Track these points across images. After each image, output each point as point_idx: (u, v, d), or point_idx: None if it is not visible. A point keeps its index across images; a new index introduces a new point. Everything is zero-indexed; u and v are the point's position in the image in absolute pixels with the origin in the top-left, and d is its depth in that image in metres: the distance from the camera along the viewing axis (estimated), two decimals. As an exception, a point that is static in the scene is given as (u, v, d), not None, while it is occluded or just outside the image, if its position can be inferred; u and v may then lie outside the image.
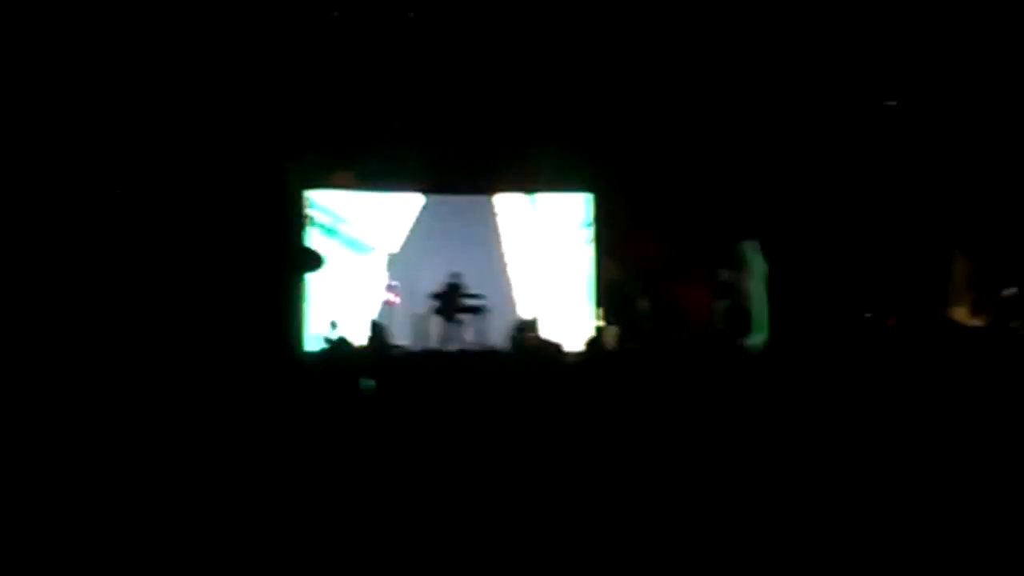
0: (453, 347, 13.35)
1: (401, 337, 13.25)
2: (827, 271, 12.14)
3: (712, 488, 3.96)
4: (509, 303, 13.95)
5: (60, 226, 11.42)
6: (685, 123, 12.95)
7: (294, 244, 13.58)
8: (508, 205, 14.73)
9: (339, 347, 5.87)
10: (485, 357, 12.11)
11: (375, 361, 8.85)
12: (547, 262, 14.63)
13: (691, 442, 4.29)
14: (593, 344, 10.95)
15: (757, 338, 11.03)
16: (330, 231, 14.26)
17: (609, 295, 13.98)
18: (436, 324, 13.67)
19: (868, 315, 11.23)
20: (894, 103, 12.16)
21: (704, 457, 4.18)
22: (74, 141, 11.51)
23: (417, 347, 13.23)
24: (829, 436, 4.31)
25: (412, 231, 14.42)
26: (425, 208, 14.49)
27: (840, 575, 3.54)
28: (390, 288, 14.03)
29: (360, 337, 11.78)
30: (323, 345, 10.85)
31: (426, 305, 13.67)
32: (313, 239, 14.03)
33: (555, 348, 7.21)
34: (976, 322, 10.91)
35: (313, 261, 13.27)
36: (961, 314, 11.25)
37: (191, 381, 5.94)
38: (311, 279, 13.89)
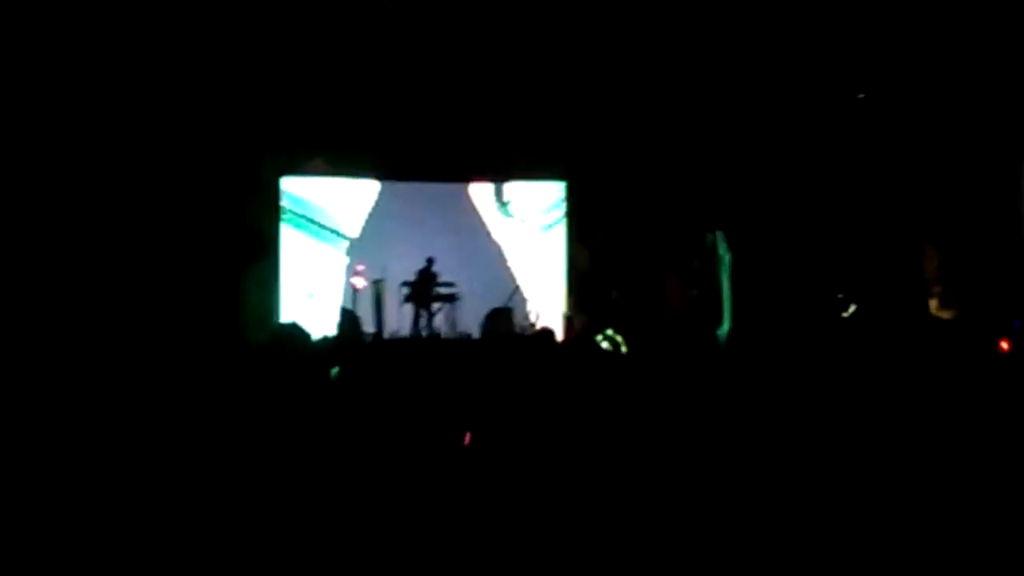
0: (425, 334, 13.33)
1: (371, 324, 13.20)
2: (792, 262, 12.17)
3: (679, 477, 3.95)
4: (482, 291, 13.89)
5: (30, 209, 11.33)
6: (656, 112, 12.96)
7: (263, 232, 13.51)
8: (481, 192, 14.69)
9: (290, 334, 5.77)
10: (458, 345, 12.11)
11: (345, 348, 8.80)
12: (520, 250, 14.59)
13: (660, 433, 4.28)
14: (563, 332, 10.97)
15: (724, 328, 11.08)
16: (299, 220, 14.18)
17: (580, 284, 13.99)
18: (408, 311, 13.63)
19: (839, 296, 11.28)
20: (864, 95, 12.20)
21: (674, 448, 4.17)
22: (41, 128, 11.41)
23: (388, 334, 13.20)
24: (792, 426, 4.31)
25: (384, 218, 14.36)
26: (397, 195, 14.43)
27: (808, 565, 3.54)
28: (356, 273, 13.94)
29: (331, 325, 11.74)
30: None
31: (399, 292, 13.63)
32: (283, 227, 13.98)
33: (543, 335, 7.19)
34: (945, 314, 10.99)
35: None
36: (931, 306, 11.33)
37: (153, 368, 5.90)
38: (282, 266, 13.85)
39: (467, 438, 4.34)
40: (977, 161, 11.79)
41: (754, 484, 3.87)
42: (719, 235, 11.80)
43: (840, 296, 11.36)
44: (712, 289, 11.66)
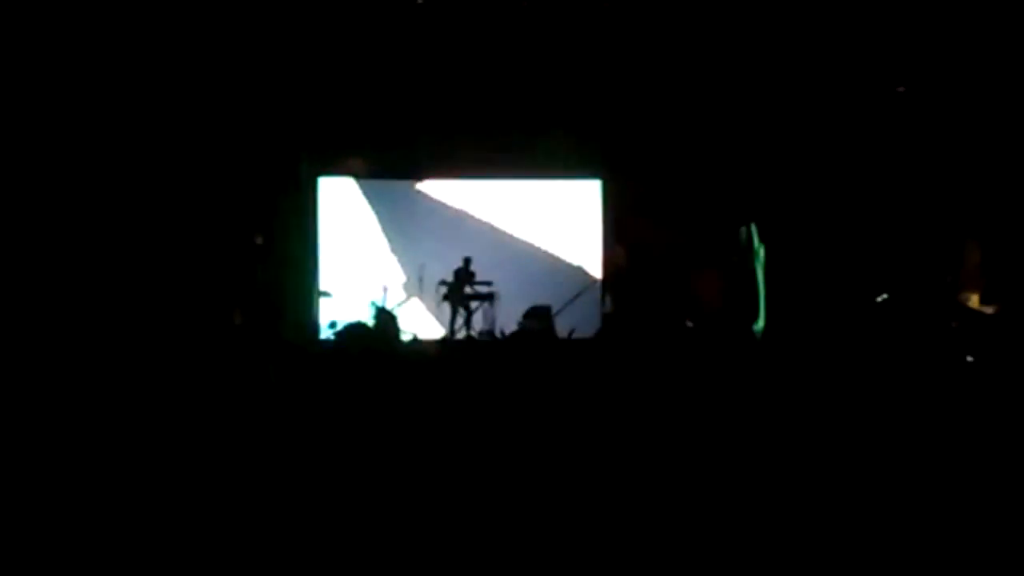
0: (462, 334, 13.33)
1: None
2: (829, 256, 12.08)
3: (709, 476, 3.93)
4: (520, 290, 13.87)
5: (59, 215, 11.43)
6: (691, 106, 12.88)
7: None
8: (518, 191, 14.68)
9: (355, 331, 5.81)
10: (494, 346, 12.10)
11: (383, 347, 8.82)
12: (557, 249, 14.56)
13: (694, 430, 4.27)
14: (601, 331, 10.92)
15: (760, 323, 11.02)
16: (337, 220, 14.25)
17: (617, 282, 13.95)
18: (445, 311, 13.65)
19: (882, 298, 11.17)
20: (904, 89, 12.09)
21: (709, 446, 4.15)
22: (81, 126, 11.51)
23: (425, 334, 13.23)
24: (826, 420, 4.28)
25: (421, 217, 14.39)
26: (434, 195, 14.46)
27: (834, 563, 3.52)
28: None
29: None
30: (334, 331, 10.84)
31: (436, 291, 13.65)
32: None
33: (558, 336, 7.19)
34: (988, 309, 10.88)
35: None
36: (973, 301, 11.22)
37: (190, 365, 5.94)
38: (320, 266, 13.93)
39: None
40: (1020, 154, 11.65)
41: (788, 476, 3.85)
42: (753, 229, 11.72)
43: (884, 297, 11.25)
44: (747, 284, 11.58)
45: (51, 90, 11.08)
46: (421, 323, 13.68)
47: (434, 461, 4.18)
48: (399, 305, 13.74)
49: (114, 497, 3.93)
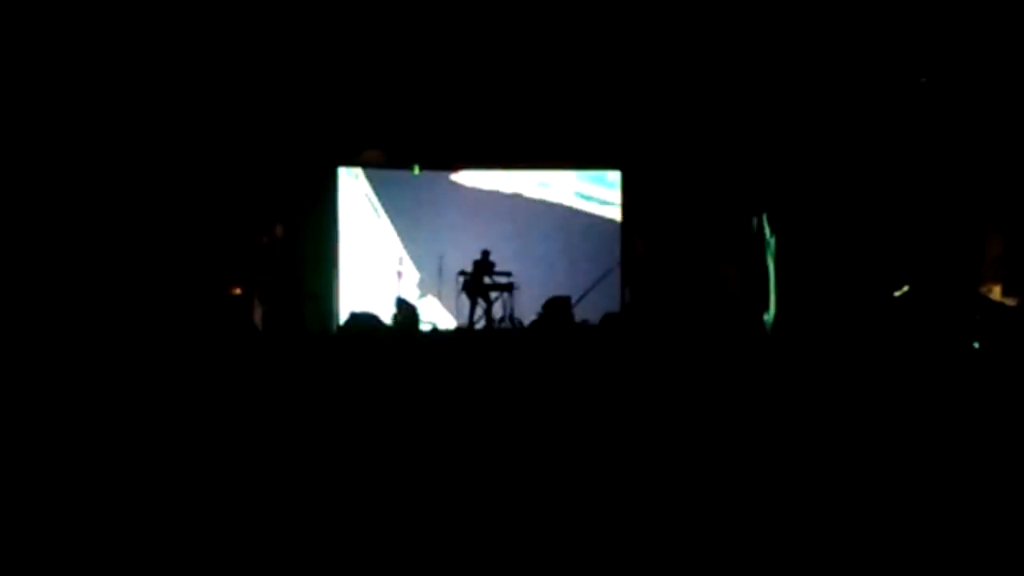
0: (481, 324, 13.35)
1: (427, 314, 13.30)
2: (846, 248, 12.01)
3: (712, 470, 3.92)
4: (541, 279, 13.87)
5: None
6: (711, 98, 12.84)
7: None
8: (538, 181, 14.67)
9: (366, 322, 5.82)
10: (514, 335, 12.11)
11: (403, 337, 8.85)
12: (576, 239, 14.55)
13: (704, 421, 4.25)
14: (618, 320, 10.90)
15: (771, 312, 10.98)
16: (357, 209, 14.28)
17: (636, 272, 13.92)
18: (465, 301, 13.67)
19: (902, 291, 11.11)
20: (926, 80, 12.01)
21: (719, 437, 4.14)
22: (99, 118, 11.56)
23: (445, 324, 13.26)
24: (837, 411, 4.26)
25: (440, 207, 14.42)
26: (454, 184, 14.48)
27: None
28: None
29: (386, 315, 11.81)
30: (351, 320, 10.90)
31: (455, 281, 13.67)
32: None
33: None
34: (1010, 301, 10.81)
35: None
36: (995, 292, 11.15)
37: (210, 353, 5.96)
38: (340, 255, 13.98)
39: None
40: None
41: (798, 468, 3.83)
42: (764, 219, 11.67)
43: (905, 290, 11.18)
44: (759, 274, 11.54)
45: (73, 84, 11.14)
46: (441, 314, 13.70)
47: (445, 450, 4.18)
48: (420, 297, 13.79)
49: (134, 481, 3.94)
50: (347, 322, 10.88)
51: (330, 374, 4.94)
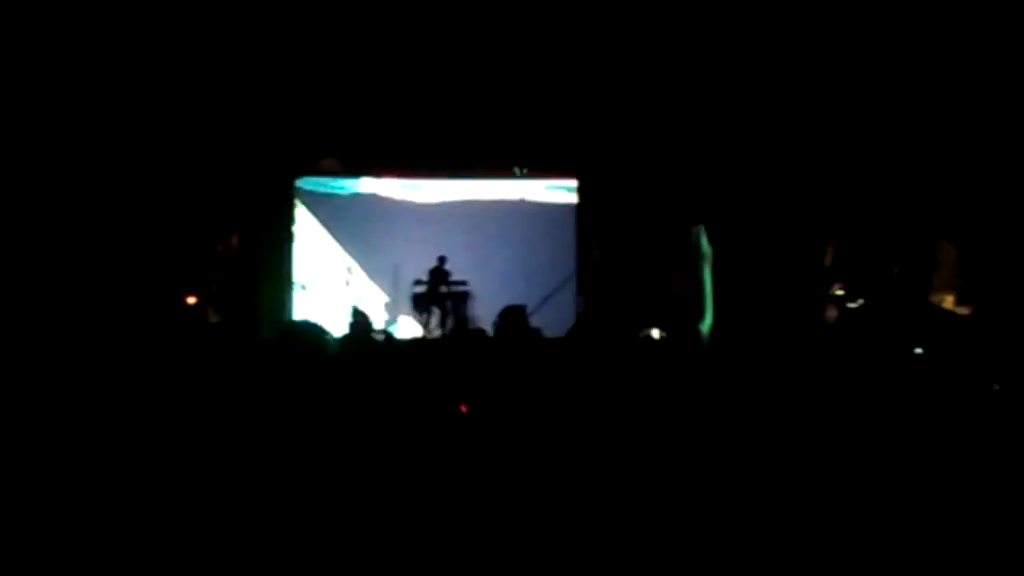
0: (436, 333, 13.32)
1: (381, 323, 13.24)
2: (798, 257, 12.09)
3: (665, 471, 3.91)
4: (496, 288, 13.85)
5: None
6: (663, 107, 12.89)
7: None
8: (493, 189, 14.66)
9: (303, 330, 5.74)
10: (469, 341, 12.04)
11: (358, 347, 8.77)
12: (532, 247, 14.55)
13: (664, 432, 4.24)
14: (575, 330, 10.87)
15: (706, 323, 11.03)
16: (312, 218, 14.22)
17: (592, 281, 13.96)
18: (421, 309, 13.64)
19: (857, 303, 11.19)
20: (879, 90, 12.10)
21: (662, 446, 4.13)
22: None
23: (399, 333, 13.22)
24: (779, 422, 4.26)
25: (396, 216, 14.38)
26: (410, 192, 14.46)
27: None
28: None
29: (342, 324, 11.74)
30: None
31: (410, 290, 13.63)
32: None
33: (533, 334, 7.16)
34: (963, 310, 10.90)
35: None
36: (948, 302, 11.23)
37: (163, 364, 5.88)
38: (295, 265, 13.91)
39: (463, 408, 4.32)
40: (995, 155, 11.67)
41: (737, 481, 3.82)
42: (702, 229, 11.74)
43: (860, 303, 11.25)
44: (696, 285, 11.62)
45: (25, 91, 11.01)
46: (396, 322, 13.66)
47: (400, 459, 4.15)
48: (379, 305, 13.73)
49: (80, 497, 3.88)
50: (285, 330, 10.76)
51: (272, 383, 4.87)
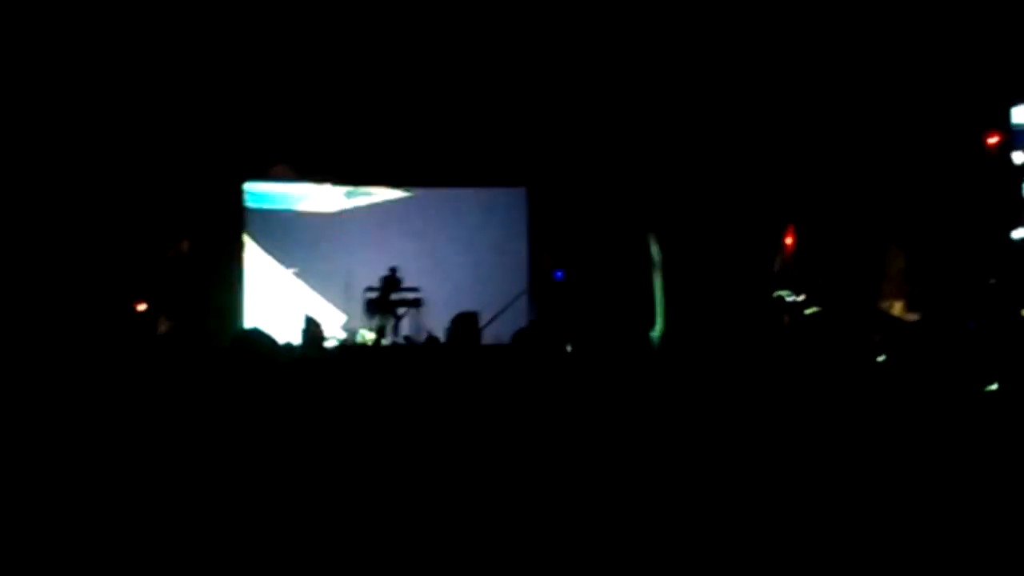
0: (388, 340, 13.27)
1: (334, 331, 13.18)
2: (743, 264, 12.18)
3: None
4: (448, 296, 13.83)
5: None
6: (613, 116, 12.94)
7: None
8: (444, 199, 14.66)
9: (252, 338, 5.69)
10: (422, 349, 12.04)
11: (310, 354, 8.74)
12: (484, 255, 14.55)
13: (616, 436, 4.25)
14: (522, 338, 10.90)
15: (657, 329, 11.08)
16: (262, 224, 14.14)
17: (543, 288, 13.99)
18: (373, 317, 13.59)
19: (812, 311, 11.26)
20: (832, 95, 12.21)
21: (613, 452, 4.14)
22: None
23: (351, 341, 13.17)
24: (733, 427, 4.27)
25: (347, 223, 14.34)
26: (361, 200, 14.43)
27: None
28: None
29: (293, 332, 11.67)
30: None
31: (362, 298, 13.58)
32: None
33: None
34: (911, 316, 11.00)
35: None
36: (897, 308, 11.34)
37: (114, 370, 5.82)
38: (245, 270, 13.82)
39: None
40: (943, 162, 11.79)
41: (692, 488, 3.84)
42: (651, 236, 11.80)
43: (814, 310, 11.34)
44: (644, 290, 11.67)
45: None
46: (347, 330, 13.60)
47: (346, 468, 4.12)
48: (331, 312, 13.66)
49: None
50: (237, 338, 10.67)
51: (226, 390, 4.83)
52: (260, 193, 14.17)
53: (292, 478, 3.97)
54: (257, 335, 5.68)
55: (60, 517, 3.74)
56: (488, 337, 12.70)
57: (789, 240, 12.35)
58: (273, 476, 3.98)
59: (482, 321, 13.06)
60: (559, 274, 13.49)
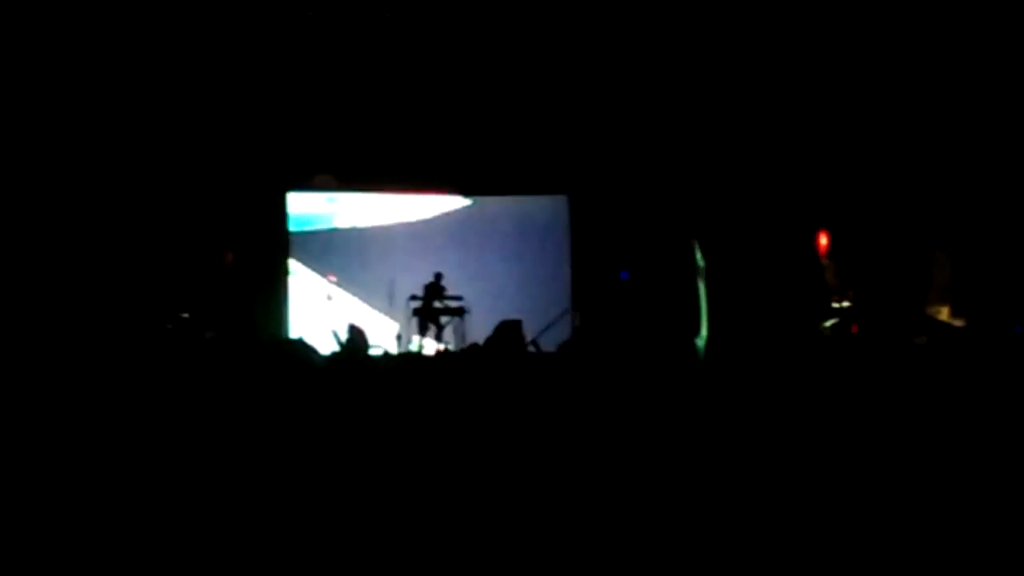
0: (432, 349, 13.28)
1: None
2: (794, 270, 12.07)
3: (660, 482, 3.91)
4: (491, 304, 13.83)
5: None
6: (652, 124, 12.91)
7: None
8: (486, 206, 14.68)
9: (294, 349, 5.74)
10: (465, 358, 12.04)
11: (354, 362, 8.77)
12: (526, 263, 14.55)
13: (655, 441, 4.24)
14: (568, 345, 10.88)
15: (702, 337, 11.02)
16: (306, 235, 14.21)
17: (585, 296, 13.97)
18: (415, 326, 13.60)
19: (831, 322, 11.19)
20: (878, 101, 12.12)
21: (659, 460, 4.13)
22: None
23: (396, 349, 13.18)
24: (777, 434, 4.26)
25: (391, 231, 14.38)
26: (405, 208, 14.47)
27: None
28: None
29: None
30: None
31: (407, 306, 13.60)
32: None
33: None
34: (958, 322, 10.89)
35: None
36: (943, 314, 11.22)
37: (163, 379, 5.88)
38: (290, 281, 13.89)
39: None
40: (990, 168, 11.68)
41: (734, 490, 3.82)
42: (695, 243, 11.74)
43: (833, 322, 11.26)
44: (689, 298, 11.61)
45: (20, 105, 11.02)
46: (391, 338, 13.62)
47: (403, 475, 4.14)
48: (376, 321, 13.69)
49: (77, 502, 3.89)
50: (274, 347, 10.70)
51: (265, 397, 4.87)
52: (302, 216, 14.24)
53: (327, 482, 4.00)
54: (295, 344, 5.72)
55: (102, 511, 3.79)
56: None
57: (823, 242, 12.26)
58: (309, 479, 4.01)
59: (525, 328, 13.08)
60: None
